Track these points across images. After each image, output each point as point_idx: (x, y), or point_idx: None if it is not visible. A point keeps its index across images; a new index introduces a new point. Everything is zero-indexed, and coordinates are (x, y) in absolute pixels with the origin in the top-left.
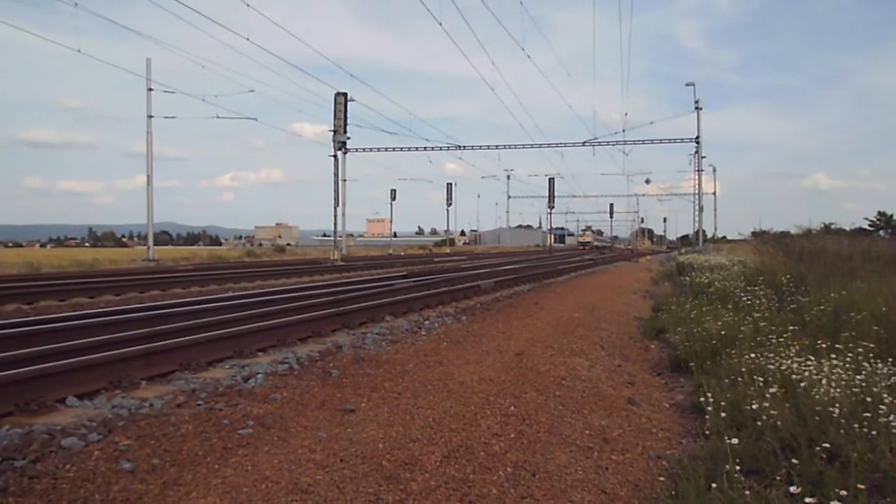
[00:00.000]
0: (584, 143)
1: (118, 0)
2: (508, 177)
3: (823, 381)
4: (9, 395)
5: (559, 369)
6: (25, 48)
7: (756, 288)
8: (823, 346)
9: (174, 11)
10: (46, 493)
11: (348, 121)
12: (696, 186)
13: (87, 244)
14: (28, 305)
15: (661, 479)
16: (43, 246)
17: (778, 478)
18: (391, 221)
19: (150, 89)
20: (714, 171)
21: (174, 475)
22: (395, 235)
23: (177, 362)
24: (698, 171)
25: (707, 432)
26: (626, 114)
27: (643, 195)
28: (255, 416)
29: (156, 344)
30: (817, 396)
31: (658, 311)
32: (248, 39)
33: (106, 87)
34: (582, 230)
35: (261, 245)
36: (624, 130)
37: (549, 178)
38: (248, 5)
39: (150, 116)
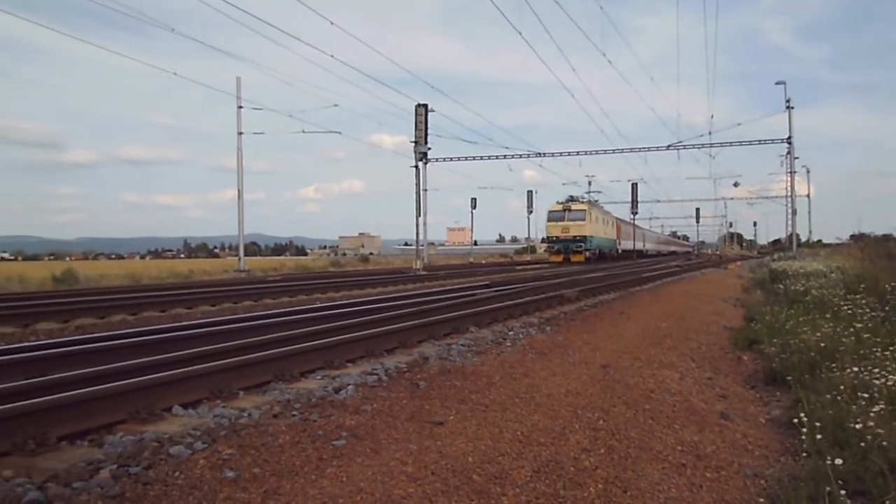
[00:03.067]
0: (669, 146)
1: (211, 23)
2: (590, 183)
3: None
4: (123, 403)
5: (648, 382)
6: (122, 71)
7: (857, 296)
8: None
9: (263, 32)
10: (159, 499)
11: (429, 131)
12: (789, 189)
13: (182, 255)
14: (132, 316)
15: (761, 500)
16: (142, 258)
17: (887, 502)
18: (472, 230)
19: (240, 107)
20: (808, 172)
21: (274, 484)
22: (475, 244)
23: (271, 373)
24: (790, 172)
25: (806, 452)
26: (712, 116)
27: (731, 199)
28: (348, 427)
29: (252, 355)
30: None
31: (750, 321)
32: (332, 56)
33: (196, 105)
34: (560, 203)
35: (344, 255)
36: (710, 133)
37: (632, 184)
38: (331, 23)
39: (241, 133)
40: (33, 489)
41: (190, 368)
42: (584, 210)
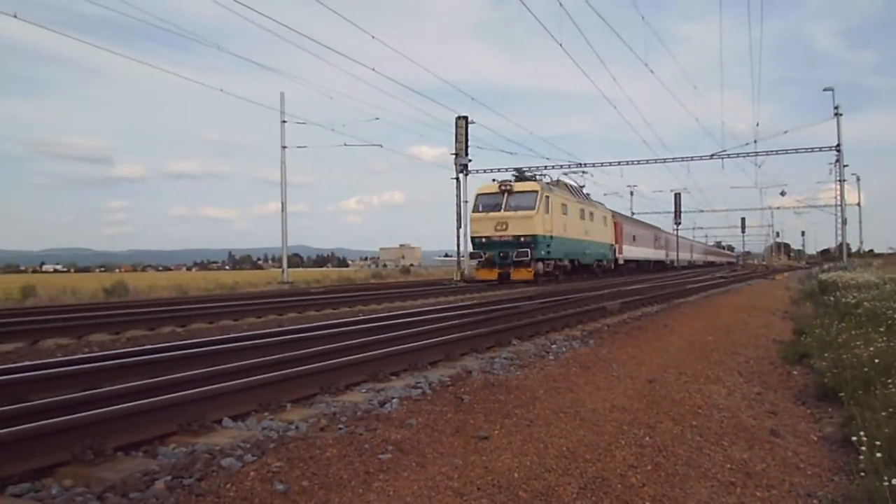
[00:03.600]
0: (712, 156)
1: (256, 40)
2: (632, 193)
3: None
4: (175, 415)
5: (694, 397)
6: (170, 87)
7: None
8: None
9: (306, 48)
10: None
11: (469, 142)
12: (838, 198)
13: (227, 267)
14: (181, 328)
15: None
16: (189, 269)
17: None
18: None
19: (284, 121)
20: (858, 180)
21: (322, 498)
22: None
23: (317, 386)
24: (840, 180)
25: (862, 471)
26: (757, 124)
27: (777, 208)
28: (394, 440)
29: (298, 368)
30: None
31: (800, 335)
32: (373, 70)
33: (242, 120)
34: (496, 182)
35: (385, 266)
36: (755, 141)
37: (675, 194)
38: (372, 37)
39: (284, 147)
40: (93, 499)
41: (239, 381)
42: (535, 193)
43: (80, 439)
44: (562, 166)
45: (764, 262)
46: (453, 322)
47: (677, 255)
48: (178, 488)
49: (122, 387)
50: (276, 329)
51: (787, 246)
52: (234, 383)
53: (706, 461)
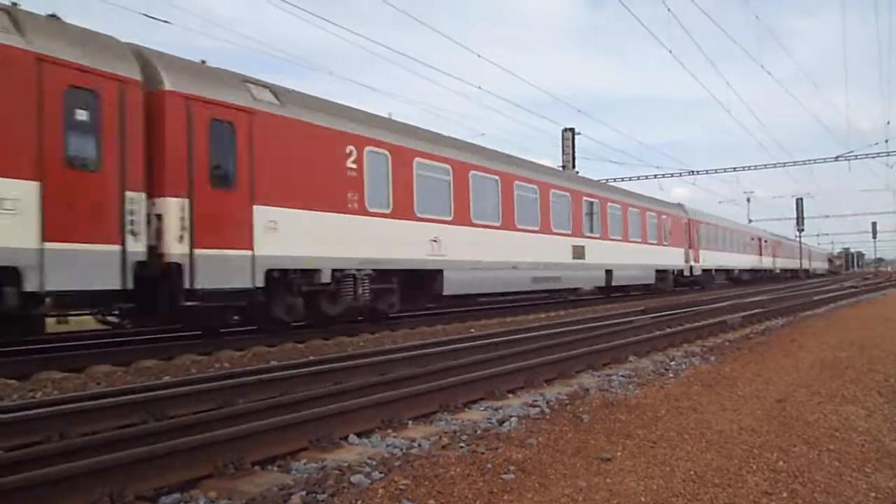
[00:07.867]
0: (837, 157)
1: (365, 64)
2: (748, 199)
3: None
4: (305, 431)
5: (830, 419)
6: None
7: None
8: None
9: (413, 69)
10: None
11: (576, 154)
12: None
13: None
14: (301, 344)
15: None
16: None
17: None
18: None
19: None
20: None
21: None
22: None
23: (437, 403)
24: None
25: None
26: (888, 122)
27: None
28: (515, 460)
29: (419, 386)
30: None
31: None
32: (479, 87)
33: None
34: None
35: None
36: (886, 140)
37: (797, 199)
38: (478, 56)
39: None
40: None
41: (363, 399)
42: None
43: (222, 453)
44: (672, 174)
45: None
46: (567, 339)
47: (804, 262)
48: (313, 503)
49: (255, 403)
50: (392, 346)
51: None
52: (358, 401)
53: (847, 489)
